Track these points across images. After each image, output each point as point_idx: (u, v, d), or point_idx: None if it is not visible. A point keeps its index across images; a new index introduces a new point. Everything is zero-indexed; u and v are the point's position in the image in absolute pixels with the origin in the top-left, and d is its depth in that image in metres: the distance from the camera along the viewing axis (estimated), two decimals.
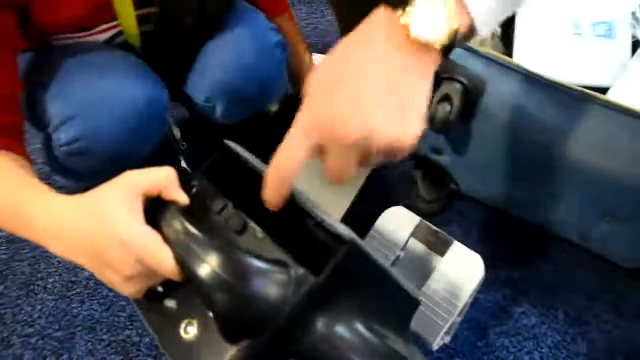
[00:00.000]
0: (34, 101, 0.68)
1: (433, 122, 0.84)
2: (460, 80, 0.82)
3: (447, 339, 0.76)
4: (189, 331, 0.44)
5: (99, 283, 0.92)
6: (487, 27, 0.42)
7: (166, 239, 0.41)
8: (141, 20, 0.69)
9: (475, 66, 0.82)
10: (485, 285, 0.89)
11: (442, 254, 0.74)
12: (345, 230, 0.42)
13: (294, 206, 0.45)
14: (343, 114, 0.38)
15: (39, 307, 0.90)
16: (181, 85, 0.77)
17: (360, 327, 0.45)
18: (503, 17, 0.44)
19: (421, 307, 0.55)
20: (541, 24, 0.94)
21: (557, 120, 0.80)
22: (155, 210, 0.43)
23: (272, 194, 0.43)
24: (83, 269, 0.92)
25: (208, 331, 0.43)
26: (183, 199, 0.44)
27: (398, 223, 0.79)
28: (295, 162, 0.41)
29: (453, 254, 0.73)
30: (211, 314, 0.41)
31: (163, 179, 0.43)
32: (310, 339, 0.43)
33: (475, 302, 0.88)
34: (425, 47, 0.39)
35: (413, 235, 0.78)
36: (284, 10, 0.89)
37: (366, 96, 0.38)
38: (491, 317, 0.87)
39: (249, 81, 0.70)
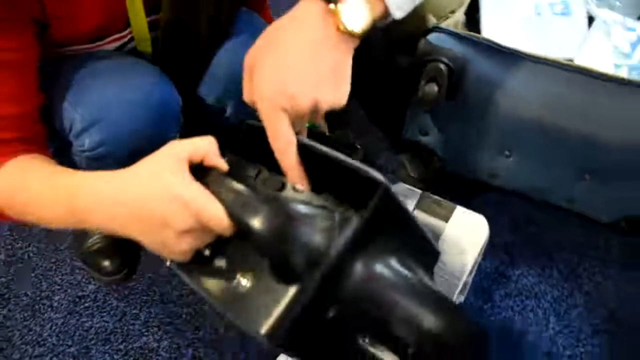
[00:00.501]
0: (46, 110, 0.68)
1: (422, 102, 0.89)
2: (445, 61, 0.87)
3: (462, 298, 0.80)
4: (242, 283, 0.46)
5: (107, 294, 0.92)
6: (400, 11, 0.52)
7: (215, 196, 0.44)
8: (150, 27, 0.71)
9: (456, 47, 0.88)
10: (483, 253, 0.95)
11: (446, 219, 0.79)
12: (378, 175, 0.46)
13: (319, 160, 0.49)
14: (297, 93, 0.48)
15: (48, 326, 0.89)
16: (188, 90, 0.79)
17: (395, 264, 0.49)
18: (416, 2, 0.55)
19: (434, 271, 0.59)
20: (504, 8, 1.01)
21: (530, 88, 0.86)
22: (197, 176, 0.45)
23: (295, 174, 0.50)
24: (88, 283, 0.92)
25: (262, 280, 0.45)
26: (223, 164, 0.47)
27: (401, 197, 0.83)
28: (290, 141, 0.49)
29: (457, 217, 0.78)
30: (263, 265, 0.44)
31: (205, 146, 0.46)
32: (351, 282, 0.46)
33: (477, 275, 0.93)
34: (349, 34, 0.50)
35: (417, 206, 0.82)
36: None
37: (311, 77, 0.49)
38: (493, 282, 0.92)
39: None
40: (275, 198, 0.47)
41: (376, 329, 0.48)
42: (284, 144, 0.49)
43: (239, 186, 0.44)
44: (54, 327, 0.88)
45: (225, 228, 0.44)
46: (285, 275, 0.44)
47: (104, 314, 0.90)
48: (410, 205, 0.82)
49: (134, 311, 0.90)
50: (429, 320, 0.47)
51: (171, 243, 0.44)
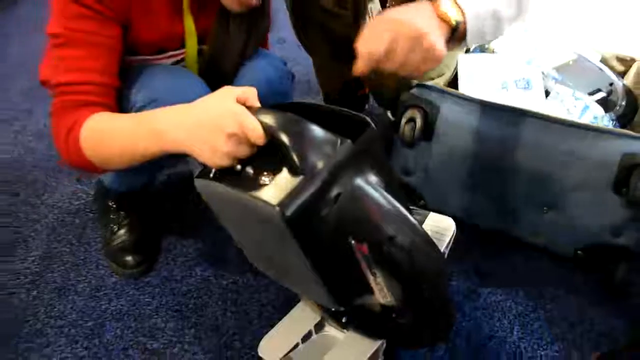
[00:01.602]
0: None
1: (402, 138, 1.09)
2: (421, 106, 1.09)
3: None
4: (264, 180, 0.62)
5: (126, 285, 1.05)
6: (473, 42, 0.78)
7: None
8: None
9: (432, 97, 1.10)
10: (457, 275, 1.08)
11: (421, 223, 0.94)
12: (370, 120, 0.66)
13: (327, 116, 0.68)
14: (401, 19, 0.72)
15: (70, 305, 1.01)
16: None
17: (377, 184, 0.66)
18: (486, 37, 0.83)
19: None
20: (478, 83, 1.25)
21: (493, 131, 1.06)
22: None
23: (363, 65, 0.73)
24: (110, 276, 1.06)
25: (280, 179, 0.62)
26: (258, 104, 0.67)
27: None
28: (379, 45, 0.72)
29: (430, 220, 0.93)
30: (282, 170, 0.62)
31: (248, 91, 0.66)
32: (344, 186, 0.63)
33: (450, 288, 1.05)
34: (443, 19, 0.74)
35: None
36: None
37: (410, 15, 0.73)
38: (464, 298, 1.04)
39: (273, 93, 0.93)
40: (297, 119, 0.65)
41: (360, 229, 0.63)
42: (374, 45, 0.74)
43: (271, 111, 0.64)
44: (75, 307, 1.01)
45: (259, 137, 0.62)
46: (299, 173, 0.61)
47: (121, 299, 1.02)
48: None
49: (147, 299, 1.02)
50: (400, 231, 0.62)
51: (220, 144, 0.62)
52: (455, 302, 1.03)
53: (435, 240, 0.90)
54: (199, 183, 0.69)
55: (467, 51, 1.38)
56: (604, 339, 0.97)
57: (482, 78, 1.25)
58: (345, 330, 0.83)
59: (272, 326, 0.89)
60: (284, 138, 0.61)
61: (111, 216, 1.11)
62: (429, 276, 0.68)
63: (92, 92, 0.79)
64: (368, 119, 0.66)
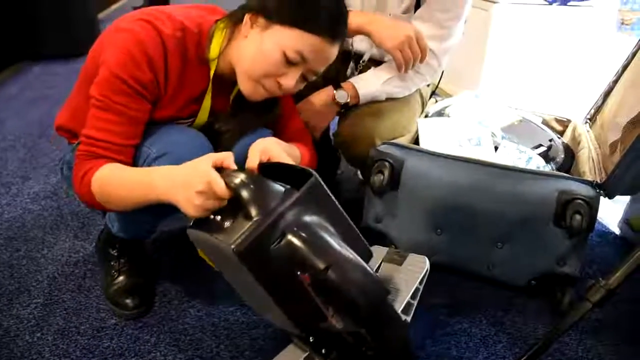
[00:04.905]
0: None
1: (372, 187, 1.24)
2: (388, 159, 1.25)
3: (408, 319, 1.01)
4: (226, 224, 0.79)
5: (125, 326, 1.14)
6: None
7: (223, 178, 0.80)
8: None
9: (396, 152, 1.27)
10: (427, 308, 1.20)
11: (401, 263, 1.06)
12: (314, 172, 0.82)
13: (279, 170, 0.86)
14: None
15: (74, 344, 1.08)
16: None
17: (321, 223, 0.82)
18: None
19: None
20: (437, 141, 1.43)
21: (449, 178, 1.23)
22: (219, 170, 0.82)
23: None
24: (110, 318, 1.15)
25: (237, 223, 0.77)
26: (234, 165, 0.84)
27: (374, 254, 1.10)
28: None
29: (408, 260, 1.05)
30: (241, 216, 0.78)
31: (224, 155, 0.84)
32: (290, 223, 0.78)
33: (422, 320, 1.17)
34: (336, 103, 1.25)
35: (384, 259, 1.09)
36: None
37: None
38: (434, 325, 1.16)
39: None
40: (256, 177, 0.84)
41: (301, 263, 0.77)
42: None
43: (238, 172, 0.81)
44: (78, 345, 1.08)
45: (223, 193, 0.79)
46: (253, 218, 0.77)
47: (122, 338, 1.10)
48: (379, 258, 1.09)
49: (146, 337, 1.10)
50: (333, 262, 0.77)
51: (192, 198, 0.80)
52: (426, 330, 1.14)
53: (410, 277, 1.04)
54: (189, 232, 0.86)
55: (427, 116, 1.58)
56: (558, 354, 1.10)
57: (440, 137, 1.44)
58: None
59: (263, 356, 0.99)
60: (242, 192, 0.78)
61: (112, 263, 1.21)
62: (365, 299, 0.80)
63: (111, 150, 0.95)
64: (313, 171, 0.82)
